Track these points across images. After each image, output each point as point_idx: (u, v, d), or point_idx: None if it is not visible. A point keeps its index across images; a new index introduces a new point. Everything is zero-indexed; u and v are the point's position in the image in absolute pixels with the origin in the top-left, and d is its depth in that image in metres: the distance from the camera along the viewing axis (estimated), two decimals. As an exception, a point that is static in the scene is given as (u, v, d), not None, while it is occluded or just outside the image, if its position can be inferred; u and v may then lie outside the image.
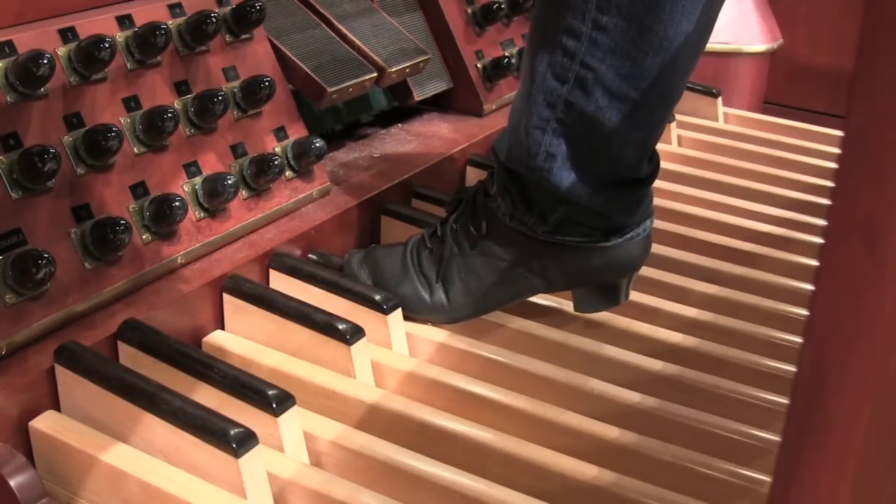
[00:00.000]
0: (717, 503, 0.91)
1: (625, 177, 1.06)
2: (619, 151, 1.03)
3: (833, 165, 1.55)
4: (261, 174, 1.18)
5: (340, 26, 1.40)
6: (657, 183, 1.16)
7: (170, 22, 1.15)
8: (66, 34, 1.05)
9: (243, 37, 1.24)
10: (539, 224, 1.08)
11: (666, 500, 0.89)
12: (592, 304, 1.15)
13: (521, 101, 1.07)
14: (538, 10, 1.05)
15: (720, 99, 1.87)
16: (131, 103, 1.10)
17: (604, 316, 1.18)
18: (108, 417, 0.91)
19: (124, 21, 1.11)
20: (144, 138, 1.09)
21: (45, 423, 0.91)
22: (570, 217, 1.07)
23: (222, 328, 1.11)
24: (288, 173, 1.24)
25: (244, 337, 1.09)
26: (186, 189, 1.12)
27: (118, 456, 0.88)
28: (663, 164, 1.33)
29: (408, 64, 1.42)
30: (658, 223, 1.32)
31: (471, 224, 1.13)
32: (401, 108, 1.59)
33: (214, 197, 1.13)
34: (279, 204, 1.22)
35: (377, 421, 0.99)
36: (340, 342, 1.04)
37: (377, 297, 1.10)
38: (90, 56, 1.03)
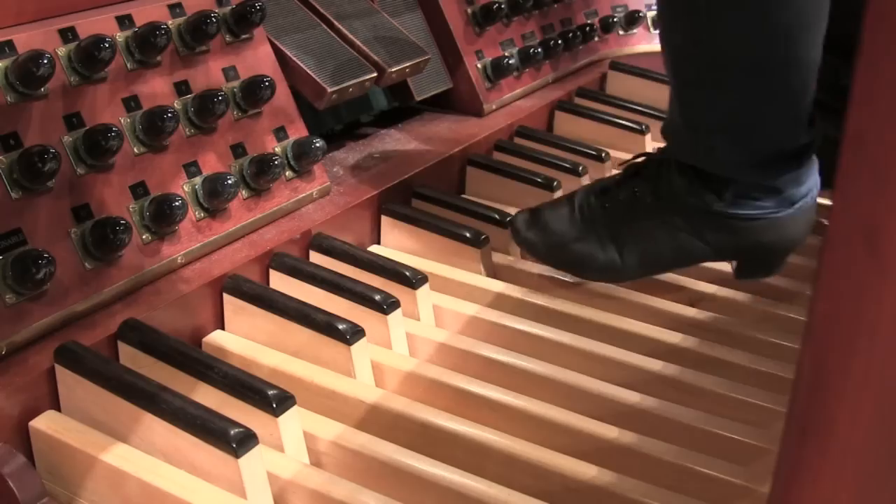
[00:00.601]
0: (717, 503, 0.91)
1: (786, 147, 1.11)
2: (773, 126, 1.10)
3: (833, 165, 1.55)
4: (261, 174, 1.18)
5: (340, 26, 1.40)
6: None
7: (170, 22, 1.15)
8: (66, 34, 1.05)
9: (243, 37, 1.24)
10: (714, 200, 1.14)
11: (666, 500, 0.89)
12: (754, 273, 1.21)
13: (673, 103, 1.15)
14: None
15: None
16: (131, 103, 1.10)
17: (604, 316, 1.18)
18: (108, 417, 0.91)
19: (124, 21, 1.11)
20: (144, 138, 1.09)
21: (45, 423, 0.91)
22: (742, 193, 1.13)
23: (222, 328, 1.11)
24: (288, 173, 1.24)
25: (244, 337, 1.09)
26: (186, 189, 1.12)
27: (118, 456, 0.88)
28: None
29: (408, 64, 1.42)
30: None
31: (651, 191, 1.18)
32: (401, 108, 1.59)
33: (214, 197, 1.13)
34: (279, 204, 1.22)
35: (377, 421, 0.99)
36: (340, 342, 1.04)
37: (377, 298, 1.10)
38: (90, 56, 1.03)
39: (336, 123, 1.49)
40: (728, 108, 1.11)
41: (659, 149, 1.23)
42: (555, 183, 1.45)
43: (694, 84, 1.12)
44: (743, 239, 1.16)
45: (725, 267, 1.32)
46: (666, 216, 1.17)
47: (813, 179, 1.16)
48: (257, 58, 1.26)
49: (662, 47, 1.16)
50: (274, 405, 0.92)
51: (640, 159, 1.24)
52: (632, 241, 1.18)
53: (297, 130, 1.28)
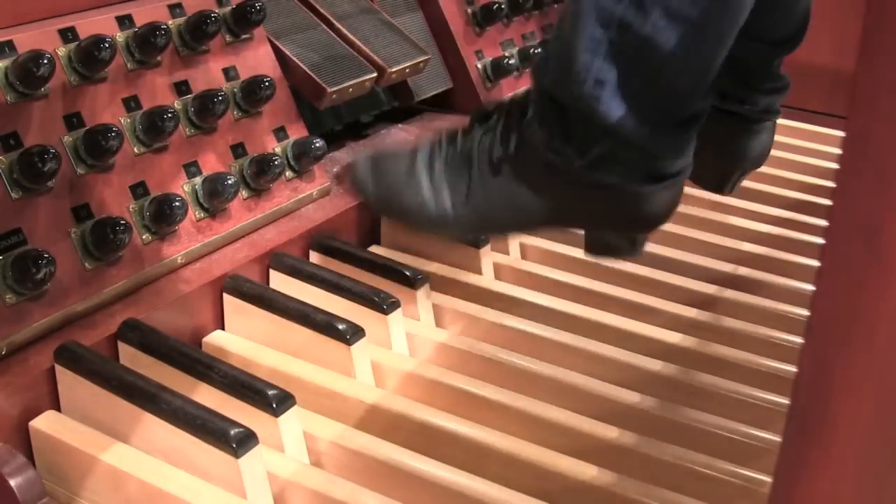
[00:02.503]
0: (717, 503, 0.91)
1: (678, 110, 0.98)
2: (675, 79, 0.96)
3: (833, 165, 1.56)
4: (261, 174, 1.18)
5: (340, 26, 1.40)
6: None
7: (170, 22, 1.15)
8: (66, 34, 1.05)
9: (243, 37, 1.24)
10: (576, 157, 1.00)
11: (666, 500, 0.89)
12: (605, 251, 1.09)
13: (568, 22, 0.98)
14: None
15: (720, 99, 1.87)
16: (131, 103, 1.10)
17: (604, 316, 1.18)
18: (108, 417, 0.91)
19: (124, 21, 1.11)
20: (144, 138, 1.09)
21: (45, 423, 0.91)
22: (610, 153, 0.99)
23: (222, 328, 1.11)
24: (288, 173, 1.24)
25: (244, 337, 1.09)
26: (186, 189, 1.12)
27: (118, 456, 0.88)
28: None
29: (408, 64, 1.42)
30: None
31: (500, 141, 1.06)
32: (401, 108, 1.58)
33: (214, 197, 1.13)
34: (279, 204, 1.22)
35: (377, 421, 0.99)
36: (340, 342, 1.04)
37: (377, 298, 1.10)
38: (90, 56, 1.03)
39: (336, 123, 1.49)
40: (638, 43, 0.94)
41: (513, 96, 1.10)
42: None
43: (601, 9, 0.95)
44: (594, 208, 1.03)
45: (725, 267, 1.32)
46: (512, 170, 1.04)
47: (687, 158, 1.02)
48: (257, 58, 1.26)
49: None
50: (274, 405, 0.92)
51: (491, 106, 1.12)
52: (469, 195, 1.06)
53: (297, 130, 1.28)
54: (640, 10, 0.92)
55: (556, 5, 1.83)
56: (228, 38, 1.22)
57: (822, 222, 1.45)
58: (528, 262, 1.31)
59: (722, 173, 1.32)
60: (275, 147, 1.24)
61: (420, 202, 1.08)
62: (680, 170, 1.02)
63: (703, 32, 0.94)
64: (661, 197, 1.02)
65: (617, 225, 1.05)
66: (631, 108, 0.96)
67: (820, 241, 1.41)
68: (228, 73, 1.21)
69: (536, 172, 1.03)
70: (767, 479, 0.91)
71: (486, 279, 1.26)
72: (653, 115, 0.97)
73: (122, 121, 1.08)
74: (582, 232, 1.12)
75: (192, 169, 1.13)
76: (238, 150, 1.19)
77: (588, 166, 1.00)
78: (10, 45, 1.00)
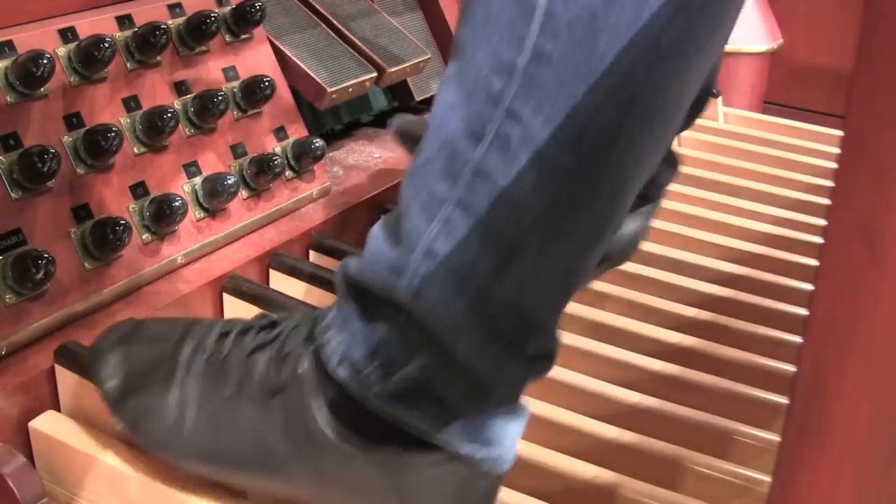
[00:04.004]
0: (717, 503, 0.91)
1: (526, 334, 0.71)
2: (533, 274, 0.68)
3: (833, 165, 1.55)
4: (261, 174, 1.18)
5: (340, 26, 1.40)
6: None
7: (170, 22, 1.15)
8: (66, 34, 1.05)
9: (243, 37, 1.24)
10: (376, 377, 0.70)
11: (666, 500, 0.89)
12: None
13: (410, 173, 0.70)
14: (459, 31, 0.68)
15: (720, 99, 1.87)
16: (131, 103, 1.10)
17: (604, 316, 1.18)
18: (108, 417, 0.91)
19: (124, 21, 1.11)
20: (144, 138, 1.09)
21: (45, 423, 0.91)
22: (429, 378, 0.70)
23: (222, 328, 1.11)
24: (288, 173, 1.24)
25: (244, 337, 1.09)
26: (186, 189, 1.12)
27: (118, 456, 0.88)
28: (663, 164, 1.32)
29: (408, 64, 1.42)
30: (658, 223, 1.32)
31: (273, 364, 0.77)
32: (401, 108, 1.58)
33: (214, 197, 1.13)
34: (279, 204, 1.22)
35: (377, 421, 0.99)
36: (340, 342, 1.04)
37: (377, 297, 1.10)
38: (90, 56, 1.04)
39: (336, 123, 1.49)
40: (492, 206, 0.66)
41: (305, 315, 0.80)
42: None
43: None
44: (362, 471, 0.73)
45: (725, 266, 1.32)
46: (273, 402, 0.75)
47: (517, 433, 0.75)
48: (257, 58, 1.26)
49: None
50: (274, 405, 0.91)
51: (278, 318, 0.83)
52: (213, 412, 0.77)
53: (297, 130, 1.28)
54: (504, 154, 0.65)
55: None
56: (228, 38, 1.23)
57: (822, 222, 1.45)
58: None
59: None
60: (275, 147, 1.24)
61: (158, 405, 0.80)
62: (510, 445, 0.74)
63: (580, 206, 0.67)
64: (475, 486, 0.73)
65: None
66: (465, 305, 0.68)
67: (820, 241, 1.41)
68: (228, 73, 1.21)
69: (312, 406, 0.73)
70: (767, 478, 0.91)
71: (486, 279, 1.26)
72: (492, 327, 0.69)
73: (122, 121, 1.08)
74: None
75: (191, 169, 1.13)
76: (238, 150, 1.19)
77: (387, 395, 0.71)
78: (9, 45, 1.00)
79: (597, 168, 0.65)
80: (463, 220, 0.66)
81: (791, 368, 1.10)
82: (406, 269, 0.68)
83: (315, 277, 1.14)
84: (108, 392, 0.83)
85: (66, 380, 0.93)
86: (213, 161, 1.16)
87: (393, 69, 1.39)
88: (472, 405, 0.71)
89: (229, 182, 1.12)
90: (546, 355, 0.75)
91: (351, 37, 1.39)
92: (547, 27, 0.62)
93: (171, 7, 1.17)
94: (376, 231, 0.72)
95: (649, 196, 1.03)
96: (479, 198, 0.66)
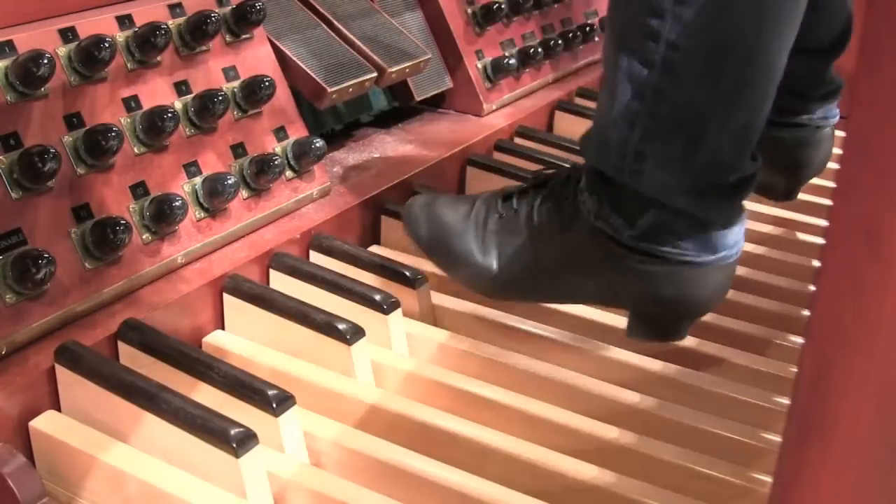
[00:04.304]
0: (717, 503, 0.91)
1: (724, 176, 0.95)
2: (718, 143, 0.93)
3: (834, 165, 1.56)
4: (261, 174, 1.18)
5: (340, 26, 1.40)
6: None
7: (170, 22, 1.15)
8: (66, 34, 1.05)
9: (243, 37, 1.24)
10: (625, 227, 0.97)
11: (666, 500, 0.89)
12: (647, 333, 1.05)
13: (604, 96, 0.97)
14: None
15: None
16: (131, 103, 1.10)
17: (604, 315, 1.18)
18: (108, 417, 0.91)
19: (124, 21, 1.11)
20: (144, 138, 1.09)
21: (45, 423, 0.91)
22: (659, 222, 0.96)
23: (222, 328, 1.11)
24: (288, 173, 1.24)
25: (244, 337, 1.09)
26: (186, 189, 1.12)
27: (118, 456, 0.88)
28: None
29: (408, 64, 1.42)
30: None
31: (554, 212, 1.03)
32: (401, 108, 1.59)
33: (214, 197, 1.13)
34: (279, 204, 1.22)
35: (377, 421, 0.99)
36: (340, 342, 1.04)
37: (377, 298, 1.10)
38: (90, 56, 1.03)
39: (336, 123, 1.49)
40: (674, 109, 0.93)
41: (573, 165, 1.09)
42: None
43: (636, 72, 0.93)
44: (642, 285, 0.99)
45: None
46: (560, 241, 1.02)
47: (741, 229, 1.00)
48: (257, 58, 1.26)
49: (608, 31, 0.99)
50: (274, 405, 0.92)
51: (550, 170, 1.11)
52: (514, 257, 1.04)
53: (297, 130, 1.28)
54: (673, 77, 0.90)
55: (556, 5, 1.83)
56: (228, 37, 1.22)
57: (822, 222, 1.45)
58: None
59: (788, 186, 1.33)
60: (275, 147, 1.24)
61: (466, 252, 1.08)
62: (734, 242, 0.99)
63: (740, 94, 0.92)
64: (713, 274, 0.99)
65: (665, 307, 1.01)
66: (674, 178, 0.94)
67: (820, 241, 1.41)
68: (228, 73, 1.21)
69: (587, 246, 1.00)
70: (767, 479, 0.91)
71: (486, 279, 1.26)
72: (698, 183, 0.95)
73: (122, 121, 1.08)
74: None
75: (192, 169, 1.13)
76: (238, 150, 1.19)
77: (638, 236, 0.97)
78: (10, 45, 1.00)
79: (744, 67, 0.90)
80: (656, 124, 0.92)
81: (791, 368, 1.10)
82: (625, 166, 0.95)
83: (315, 277, 1.14)
84: (422, 240, 1.13)
85: (67, 380, 0.93)
86: (213, 161, 1.16)
87: (393, 69, 1.39)
88: (700, 230, 0.96)
89: (229, 182, 1.12)
90: (747, 179, 0.97)
91: (351, 37, 1.39)
92: None
93: (172, 7, 1.17)
94: (589, 138, 1.01)
95: (830, 115, 1.31)
96: (662, 109, 0.91)
